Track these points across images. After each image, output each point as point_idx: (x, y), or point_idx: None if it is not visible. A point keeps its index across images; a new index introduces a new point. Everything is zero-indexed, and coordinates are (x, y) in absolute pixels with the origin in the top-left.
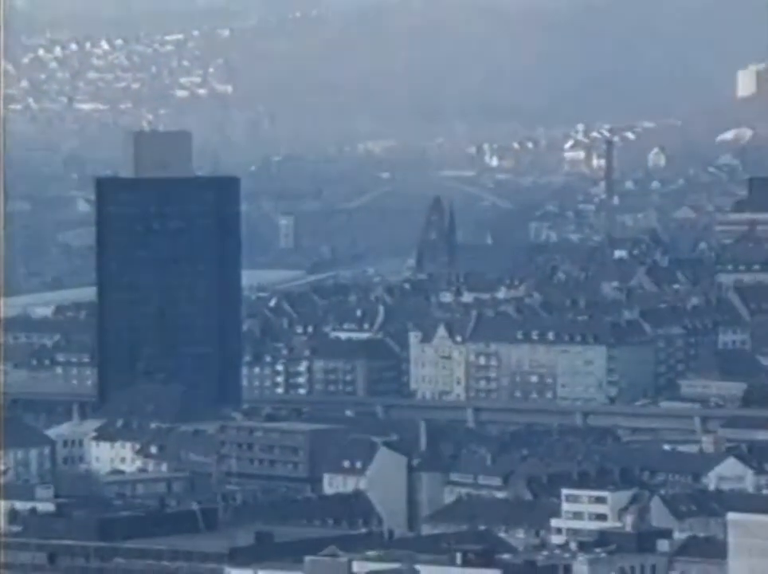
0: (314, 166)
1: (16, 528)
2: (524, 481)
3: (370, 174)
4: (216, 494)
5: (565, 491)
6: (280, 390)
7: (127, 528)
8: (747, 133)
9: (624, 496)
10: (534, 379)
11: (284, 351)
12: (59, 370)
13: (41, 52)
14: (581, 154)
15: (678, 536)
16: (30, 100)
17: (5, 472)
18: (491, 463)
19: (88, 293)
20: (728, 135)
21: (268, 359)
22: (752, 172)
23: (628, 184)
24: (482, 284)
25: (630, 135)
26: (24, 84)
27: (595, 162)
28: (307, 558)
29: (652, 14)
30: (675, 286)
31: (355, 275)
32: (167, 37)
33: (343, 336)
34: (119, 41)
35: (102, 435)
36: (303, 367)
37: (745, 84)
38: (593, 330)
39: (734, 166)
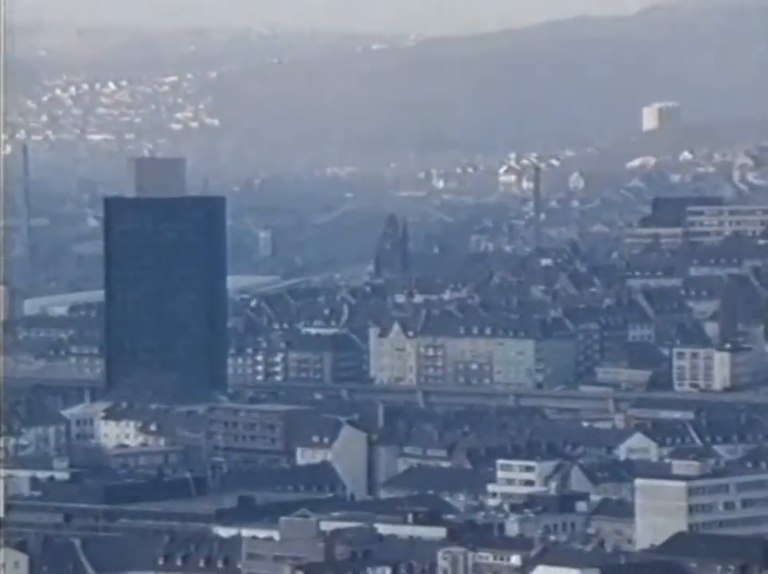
0: (289, 187)
1: (37, 493)
2: (465, 453)
3: (335, 194)
4: (205, 465)
5: (499, 461)
6: (259, 377)
7: (130, 493)
8: (651, 161)
9: (549, 465)
10: (474, 367)
11: (263, 345)
12: (72, 360)
13: (57, 91)
14: (513, 178)
15: (594, 498)
16: (49, 132)
17: (26, 447)
18: (438, 438)
19: (98, 295)
20: (636, 163)
21: (249, 351)
22: (656, 193)
23: (553, 203)
24: (430, 287)
25: (554, 162)
26: (44, 118)
27: (525, 184)
28: (282, 518)
29: (573, 59)
30: (592, 289)
31: (323, 280)
32: (165, 79)
33: (313, 331)
34: (123, 83)
35: (109, 415)
36: (279, 357)
37: (649, 119)
38: (523, 326)
39: (640, 188)
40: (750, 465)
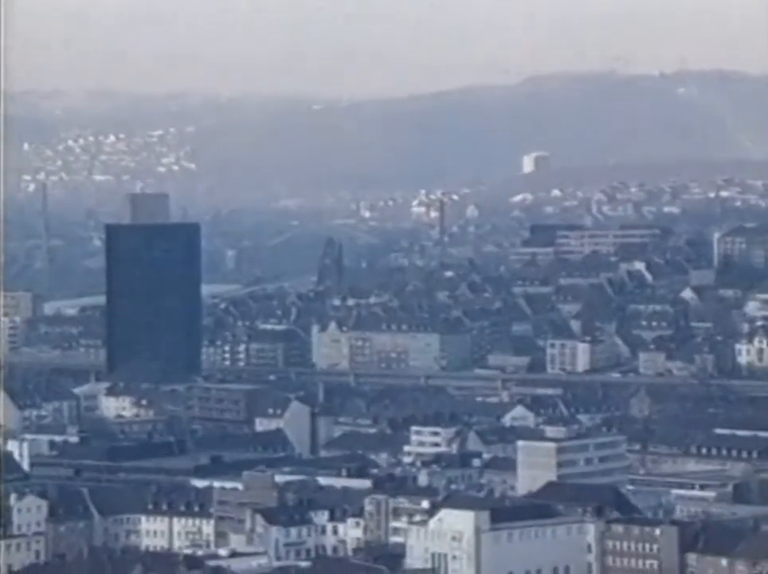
0: (249, 216)
1: (54, 453)
2: (386, 422)
3: (285, 222)
4: (185, 431)
5: (413, 428)
6: (227, 363)
7: (127, 453)
8: (529, 197)
9: (451, 430)
10: (393, 355)
11: (230, 338)
12: (81, 350)
13: (70, 142)
14: (423, 209)
15: (485, 456)
16: (63, 173)
17: (45, 417)
18: (365, 410)
19: (101, 300)
20: (517, 198)
21: (219, 342)
22: (533, 222)
23: (454, 228)
24: (360, 293)
25: (455, 197)
26: (59, 163)
27: (432, 214)
28: (245, 473)
29: (470, 117)
30: (485, 295)
31: (276, 287)
32: (153, 133)
33: (269, 327)
34: (121, 135)
35: (110, 392)
36: (242, 348)
37: (527, 165)
38: (431, 323)
39: (521, 217)
40: (605, 429)
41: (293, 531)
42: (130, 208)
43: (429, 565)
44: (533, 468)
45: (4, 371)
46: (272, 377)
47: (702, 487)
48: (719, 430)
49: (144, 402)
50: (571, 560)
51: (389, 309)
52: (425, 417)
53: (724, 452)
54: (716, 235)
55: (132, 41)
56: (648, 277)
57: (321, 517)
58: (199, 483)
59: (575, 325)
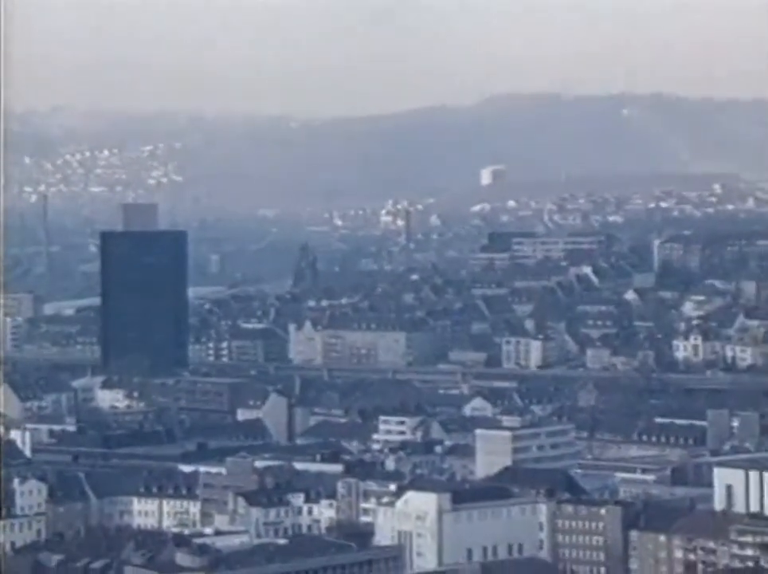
0: (231, 224)
1: (53, 441)
2: (357, 412)
3: (264, 229)
4: (173, 420)
5: (381, 417)
6: (211, 358)
7: (120, 441)
8: (487, 206)
9: (416, 420)
10: (363, 351)
11: (214, 335)
12: (78, 347)
13: (68, 157)
14: (391, 218)
15: (447, 443)
16: (62, 185)
17: (45, 408)
18: (338, 401)
19: (96, 301)
20: (477, 208)
21: (204, 340)
22: (490, 230)
23: (419, 236)
24: (333, 295)
25: (420, 207)
26: (58, 176)
27: (399, 222)
28: (228, 459)
29: (434, 133)
30: (447, 296)
31: (257, 289)
32: (143, 148)
33: (249, 326)
34: (115, 151)
35: (105, 385)
36: (225, 344)
37: (485, 177)
38: (398, 322)
39: (480, 226)
40: (555, 419)
41: (272, 511)
42: (123, 217)
43: (395, 542)
44: (490, 454)
45: (8, 366)
46: (252, 371)
47: (643, 471)
48: (658, 419)
49: (136, 394)
50: (525, 537)
51: (359, 310)
52: (392, 408)
53: (663, 439)
54: (656, 242)
55: (124, 63)
56: (595, 280)
57: (297, 499)
58: (186, 468)
59: (529, 324)
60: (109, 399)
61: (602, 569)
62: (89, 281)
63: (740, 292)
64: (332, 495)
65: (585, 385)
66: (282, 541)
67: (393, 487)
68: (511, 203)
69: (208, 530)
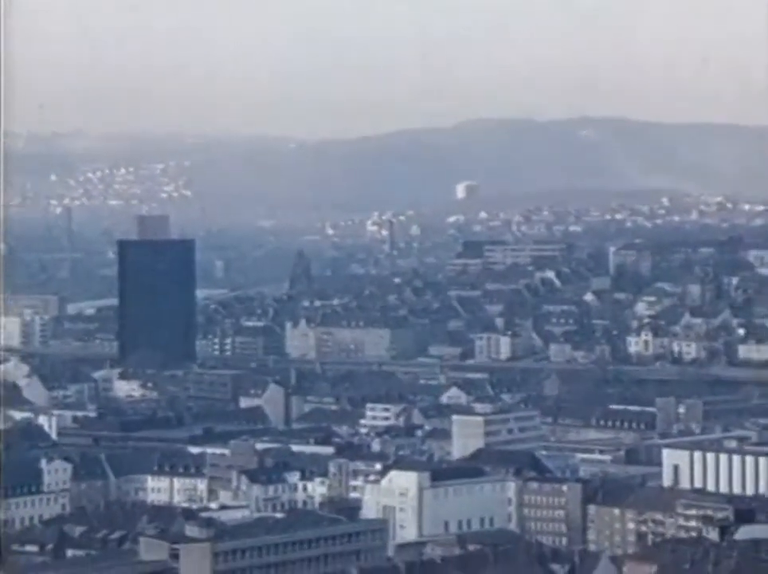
0: (235, 233)
1: (77, 426)
2: (346, 400)
3: (264, 238)
4: (182, 408)
5: (368, 405)
6: (216, 352)
7: (135, 426)
8: (462, 218)
9: (399, 407)
10: (352, 346)
11: (219, 332)
12: (98, 342)
13: (89, 174)
14: (376, 227)
15: (427, 428)
16: (84, 199)
17: (70, 396)
18: (330, 390)
19: (114, 302)
20: (452, 219)
21: (210, 336)
22: (465, 238)
23: (401, 244)
24: (325, 296)
25: (402, 218)
26: (80, 191)
27: (383, 232)
28: (231, 441)
29: (412, 154)
30: (426, 298)
31: (257, 291)
32: (156, 166)
33: (251, 324)
34: (131, 168)
35: (122, 376)
36: (229, 340)
37: (460, 192)
38: (383, 320)
39: (456, 235)
40: (523, 406)
41: (270, 488)
42: (137, 227)
43: (380, 516)
44: (465, 437)
45: (36, 360)
46: (253, 364)
47: (600, 452)
48: (613, 406)
49: (149, 384)
50: (495, 511)
51: (348, 309)
52: (377, 396)
53: (618, 423)
54: (611, 249)
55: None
56: (557, 283)
57: (293, 477)
58: (194, 450)
59: (499, 322)
60: (126, 388)
61: (564, 539)
62: (108, 284)
63: (686, 294)
64: (324, 474)
65: (549, 376)
66: (280, 515)
67: (378, 467)
68: (483, 215)
69: (213, 505)
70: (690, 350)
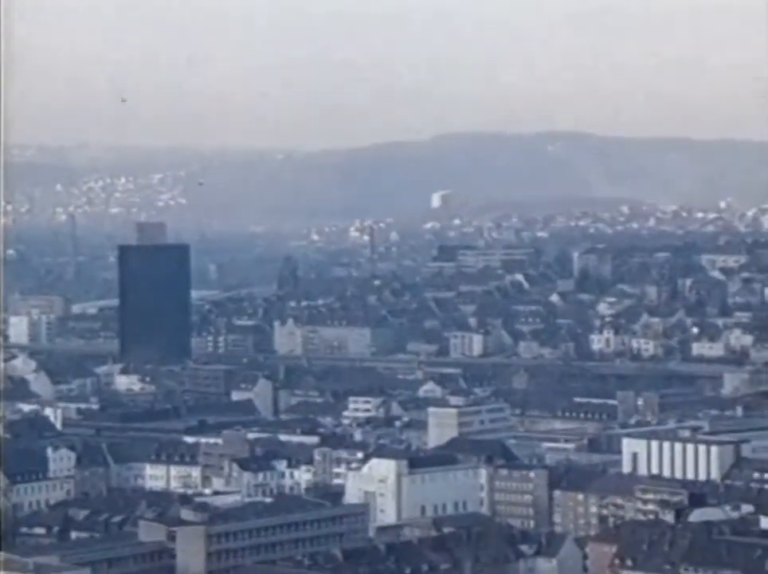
0: (227, 239)
1: (80, 417)
2: (330, 393)
3: (254, 243)
4: (179, 401)
5: (351, 398)
6: (210, 349)
7: (135, 417)
8: (437, 224)
9: (379, 400)
10: (336, 344)
11: (212, 330)
12: (100, 340)
13: (91, 183)
14: (358, 233)
15: (405, 419)
16: (87, 207)
17: (74, 390)
18: (315, 384)
19: (115, 302)
20: (428, 225)
21: (204, 334)
22: (440, 243)
23: (381, 248)
24: (310, 297)
25: (382, 225)
26: (83, 199)
27: (365, 237)
28: (224, 431)
29: (393, 164)
30: (404, 298)
31: (248, 292)
32: (154, 176)
33: (242, 323)
34: (130, 178)
35: (122, 372)
36: (221, 338)
37: (436, 200)
38: (364, 319)
39: (431, 240)
40: (493, 399)
41: (260, 475)
42: (137, 233)
43: (362, 501)
44: (440, 428)
45: (43, 356)
46: (244, 360)
47: (565, 441)
48: (577, 399)
49: (148, 379)
50: (468, 496)
51: (332, 309)
52: (359, 390)
53: (581, 415)
54: (575, 254)
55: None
56: (526, 285)
57: (281, 465)
58: (189, 439)
59: (472, 321)
60: (126, 382)
61: (531, 522)
62: (109, 285)
63: (644, 295)
64: (310, 462)
65: (518, 371)
66: (268, 500)
67: (360, 455)
68: (457, 222)
69: (207, 491)
70: (648, 347)
